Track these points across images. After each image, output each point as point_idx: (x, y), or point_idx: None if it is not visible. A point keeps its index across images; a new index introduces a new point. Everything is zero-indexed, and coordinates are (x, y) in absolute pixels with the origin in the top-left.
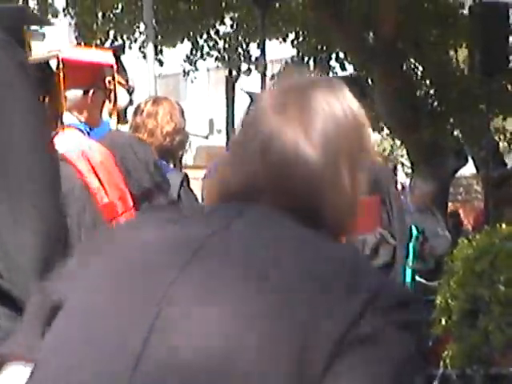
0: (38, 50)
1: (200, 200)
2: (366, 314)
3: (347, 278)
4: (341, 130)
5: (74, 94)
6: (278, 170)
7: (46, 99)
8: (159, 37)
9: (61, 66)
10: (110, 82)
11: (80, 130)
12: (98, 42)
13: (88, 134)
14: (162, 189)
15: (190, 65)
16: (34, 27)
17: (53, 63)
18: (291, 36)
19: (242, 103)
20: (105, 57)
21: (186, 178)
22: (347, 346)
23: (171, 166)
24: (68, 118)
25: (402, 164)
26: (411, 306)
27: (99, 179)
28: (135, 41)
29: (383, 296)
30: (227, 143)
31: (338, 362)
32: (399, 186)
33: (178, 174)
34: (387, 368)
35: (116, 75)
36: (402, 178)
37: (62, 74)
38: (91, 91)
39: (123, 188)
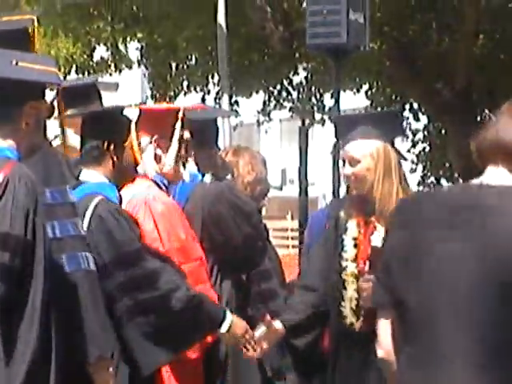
0: (111, 101)
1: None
2: None
3: None
4: None
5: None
6: None
7: (111, 146)
8: (233, 88)
9: (137, 115)
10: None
11: (154, 181)
12: (172, 93)
13: (166, 186)
14: (260, 229)
15: (264, 116)
16: (108, 78)
17: (130, 112)
18: (365, 86)
19: (315, 153)
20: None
21: (265, 227)
22: None
23: None
24: (149, 169)
25: None
26: None
27: (157, 229)
28: (208, 92)
29: None
30: (300, 194)
31: None
32: None
33: None
34: None
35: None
36: None
37: (133, 128)
38: (156, 141)
39: (184, 239)
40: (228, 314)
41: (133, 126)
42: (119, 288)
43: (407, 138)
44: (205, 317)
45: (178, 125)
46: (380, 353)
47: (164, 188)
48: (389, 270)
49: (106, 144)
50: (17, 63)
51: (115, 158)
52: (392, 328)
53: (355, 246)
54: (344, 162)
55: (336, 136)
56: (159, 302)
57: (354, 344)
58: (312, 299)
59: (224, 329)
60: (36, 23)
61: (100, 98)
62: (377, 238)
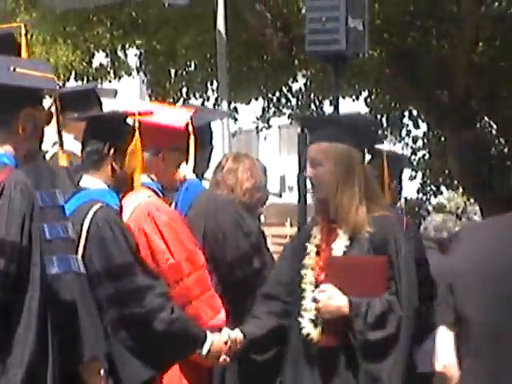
0: (110, 108)
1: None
2: None
3: None
4: None
5: (147, 155)
6: None
7: (111, 151)
8: (232, 94)
9: (136, 125)
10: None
11: (152, 189)
12: (171, 100)
13: (162, 193)
14: (259, 249)
15: (263, 122)
16: (106, 85)
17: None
18: (364, 93)
19: None
20: (180, 120)
21: (263, 234)
22: None
23: None
24: (142, 177)
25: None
26: None
27: (164, 240)
28: (208, 99)
29: None
30: (299, 201)
31: None
32: None
33: None
34: None
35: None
36: None
37: (137, 134)
38: (161, 152)
39: (190, 248)
40: (209, 335)
41: (137, 134)
42: (107, 299)
43: (405, 144)
44: (186, 339)
45: (191, 140)
46: (438, 366)
47: (161, 195)
48: (453, 289)
49: (106, 147)
50: (14, 69)
51: (115, 164)
52: (456, 343)
53: (317, 253)
54: (308, 162)
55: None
56: (142, 320)
57: (312, 357)
58: (273, 308)
59: (204, 351)
60: (31, 31)
61: (100, 104)
62: (338, 247)
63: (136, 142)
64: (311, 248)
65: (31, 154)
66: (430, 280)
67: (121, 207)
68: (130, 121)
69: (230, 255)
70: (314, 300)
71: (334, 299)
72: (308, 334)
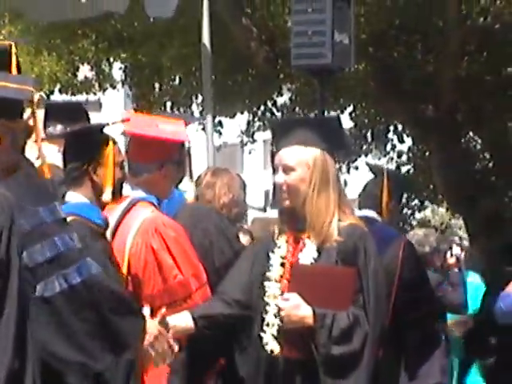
0: (94, 120)
1: None
2: None
3: None
4: None
5: (147, 169)
6: None
7: (90, 167)
8: (217, 108)
9: (111, 137)
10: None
11: (152, 203)
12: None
13: (159, 205)
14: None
15: (248, 136)
16: (91, 98)
17: (113, 130)
18: (349, 107)
19: None
20: (179, 133)
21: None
22: None
23: None
24: (138, 192)
25: (460, 238)
26: None
27: (172, 256)
28: (192, 113)
29: None
30: None
31: None
32: (453, 260)
33: None
34: None
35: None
36: (457, 251)
37: (111, 145)
38: (164, 166)
39: (196, 263)
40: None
41: (111, 144)
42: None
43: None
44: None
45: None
46: None
47: (159, 208)
48: None
49: (85, 163)
50: None
51: (96, 178)
52: None
53: (282, 265)
54: (277, 169)
55: (272, 142)
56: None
57: (274, 372)
58: (227, 309)
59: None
60: (15, 42)
61: (88, 118)
62: (306, 257)
63: (109, 153)
64: (275, 259)
65: (11, 166)
66: (432, 299)
67: (106, 219)
68: (113, 130)
69: (217, 261)
70: (277, 308)
71: (298, 309)
72: (272, 351)
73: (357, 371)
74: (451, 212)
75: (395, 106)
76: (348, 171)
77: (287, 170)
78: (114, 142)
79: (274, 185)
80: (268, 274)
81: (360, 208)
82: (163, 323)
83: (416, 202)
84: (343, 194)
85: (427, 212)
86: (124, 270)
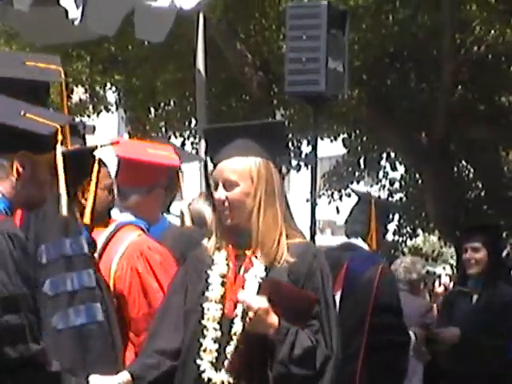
0: (88, 143)
1: None
2: None
3: None
4: None
5: (135, 193)
6: None
7: (79, 190)
8: None
9: (96, 160)
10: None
11: (140, 227)
12: (150, 137)
13: (148, 229)
14: None
15: None
16: (85, 120)
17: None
18: (342, 134)
19: (291, 200)
20: (169, 157)
21: None
22: None
23: None
24: (126, 216)
25: (451, 265)
26: None
27: (157, 279)
28: (188, 137)
29: None
30: None
31: None
32: (441, 289)
33: None
34: None
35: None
36: (445, 280)
37: (96, 168)
38: (153, 190)
39: None
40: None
41: (96, 167)
42: None
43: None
44: None
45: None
46: None
47: (147, 232)
48: None
49: (72, 187)
50: (24, 114)
51: (84, 201)
52: None
53: (222, 284)
54: (216, 184)
55: (206, 152)
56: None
57: None
58: (164, 347)
59: None
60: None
61: (84, 140)
62: (252, 277)
63: (93, 176)
64: (214, 277)
65: (32, 201)
66: (402, 327)
67: (94, 241)
68: (104, 153)
69: None
70: (246, 308)
71: (269, 314)
72: (209, 380)
73: None
74: (443, 240)
75: (388, 133)
76: (340, 198)
77: (229, 185)
78: (104, 165)
79: (214, 202)
80: (207, 293)
81: (347, 235)
82: None
83: (408, 229)
84: (287, 205)
85: (418, 240)
86: None
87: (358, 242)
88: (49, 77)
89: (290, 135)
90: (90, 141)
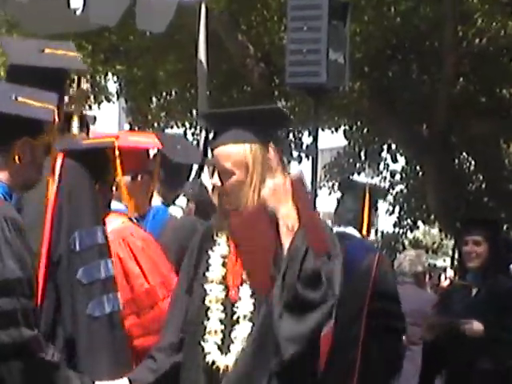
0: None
1: None
2: None
3: None
4: None
5: (124, 180)
6: None
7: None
8: None
9: (117, 153)
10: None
11: (125, 214)
12: (151, 128)
13: (137, 220)
14: None
15: None
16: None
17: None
18: (343, 126)
19: None
20: (148, 142)
21: None
22: None
23: None
24: (114, 203)
25: (452, 258)
26: None
27: (139, 265)
28: (190, 127)
29: None
30: None
31: None
32: (447, 282)
33: None
34: None
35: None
36: (450, 273)
37: (118, 162)
38: (139, 176)
39: (166, 273)
40: None
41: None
42: None
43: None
44: None
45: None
46: None
47: (135, 221)
48: None
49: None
50: (16, 98)
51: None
52: None
53: (223, 264)
54: (213, 168)
55: (206, 138)
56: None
57: None
58: (168, 342)
59: None
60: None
61: (88, 130)
62: None
63: (119, 172)
64: (216, 258)
65: (29, 184)
66: (400, 313)
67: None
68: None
69: None
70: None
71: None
72: (213, 362)
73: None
74: (445, 233)
75: (389, 125)
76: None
77: (225, 173)
78: None
79: (212, 185)
80: (207, 274)
81: (338, 223)
82: None
83: (408, 221)
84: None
85: (417, 233)
86: None
87: (351, 230)
88: (73, 64)
89: (291, 127)
90: (91, 131)
